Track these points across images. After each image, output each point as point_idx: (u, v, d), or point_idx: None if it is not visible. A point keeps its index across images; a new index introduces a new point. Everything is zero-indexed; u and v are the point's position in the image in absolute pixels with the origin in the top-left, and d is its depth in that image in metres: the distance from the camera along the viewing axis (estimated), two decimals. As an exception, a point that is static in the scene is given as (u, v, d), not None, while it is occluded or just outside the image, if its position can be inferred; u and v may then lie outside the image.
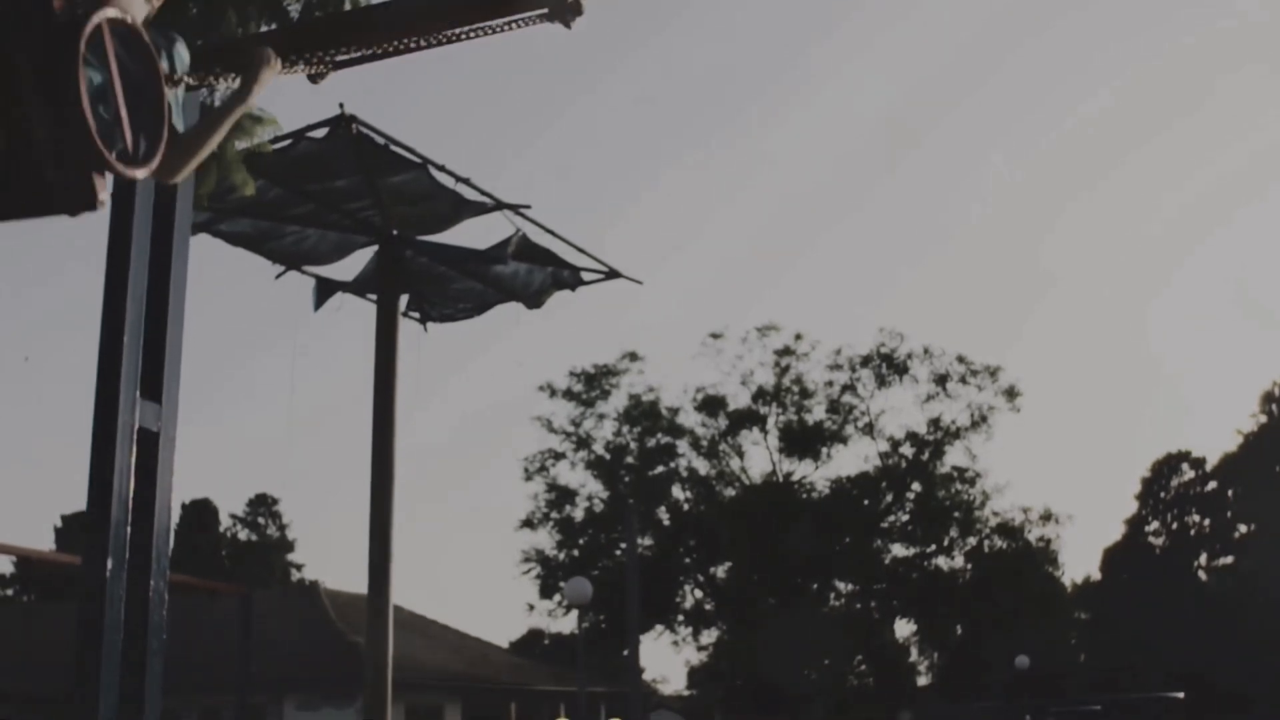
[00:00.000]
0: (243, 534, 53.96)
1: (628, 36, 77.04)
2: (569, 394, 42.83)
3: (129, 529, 3.29)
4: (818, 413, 42.87)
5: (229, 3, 4.74)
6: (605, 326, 70.23)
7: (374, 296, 13.37)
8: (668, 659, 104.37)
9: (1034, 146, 73.79)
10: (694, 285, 70.29)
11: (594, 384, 42.77)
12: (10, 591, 50.43)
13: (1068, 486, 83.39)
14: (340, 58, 3.69)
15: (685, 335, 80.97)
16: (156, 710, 3.37)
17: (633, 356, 42.92)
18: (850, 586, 44.36)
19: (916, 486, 43.51)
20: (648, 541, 41.98)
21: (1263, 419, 51.83)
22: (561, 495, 43.53)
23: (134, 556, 3.38)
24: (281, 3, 4.92)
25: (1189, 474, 53.50)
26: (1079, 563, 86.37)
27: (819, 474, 43.47)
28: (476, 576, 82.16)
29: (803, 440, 42.58)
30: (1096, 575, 54.70)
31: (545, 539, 43.81)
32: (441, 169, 11.90)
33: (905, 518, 44.04)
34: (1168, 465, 53.63)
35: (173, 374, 3.68)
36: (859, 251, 73.71)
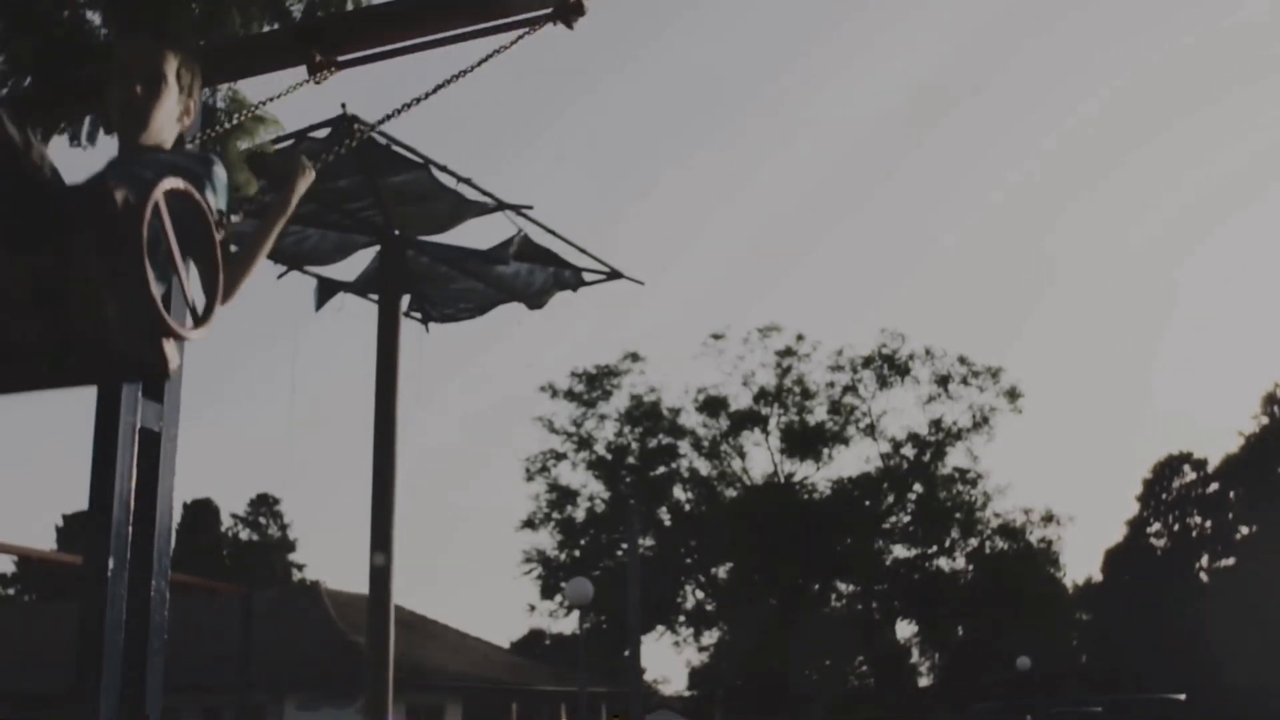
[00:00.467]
0: (244, 534, 54.02)
1: (629, 37, 77.17)
2: (570, 394, 42.86)
3: (130, 529, 3.28)
4: (819, 413, 42.93)
5: (232, 2, 4.74)
6: (607, 327, 70.31)
7: (375, 297, 13.36)
8: (669, 659, 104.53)
9: (1035, 147, 73.87)
10: (695, 286, 70.46)
11: (595, 384, 42.79)
12: (10, 591, 50.49)
13: (1069, 488, 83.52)
14: (343, 58, 3.69)
15: (687, 336, 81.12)
16: (157, 710, 3.36)
17: (634, 357, 43.00)
18: (851, 587, 44.40)
19: (918, 487, 43.51)
20: (649, 542, 42.00)
21: (1264, 421, 51.81)
22: (563, 496, 43.56)
23: (135, 556, 3.38)
24: (284, 2, 4.91)
25: (1190, 475, 53.52)
26: (1080, 564, 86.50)
27: (820, 475, 43.56)
28: (477, 577, 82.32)
29: (804, 441, 42.58)
30: (1098, 576, 54.76)
31: (546, 539, 43.91)
32: (443, 169, 11.90)
33: (906, 519, 44.04)
34: (1169, 467, 53.64)
35: (175, 373, 3.67)
36: (860, 253, 73.84)
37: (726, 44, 74.46)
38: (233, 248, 2.80)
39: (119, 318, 2.13)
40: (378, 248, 13.21)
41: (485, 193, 12.39)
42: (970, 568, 44.52)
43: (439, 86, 3.41)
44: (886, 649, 45.01)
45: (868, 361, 42.77)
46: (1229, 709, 40.07)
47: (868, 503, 43.28)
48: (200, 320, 2.34)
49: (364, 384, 13.26)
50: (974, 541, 44.26)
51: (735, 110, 75.36)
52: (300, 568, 53.24)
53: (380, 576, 12.27)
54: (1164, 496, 53.58)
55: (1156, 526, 53.51)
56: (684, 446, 43.45)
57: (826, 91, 73.75)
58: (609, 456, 43.06)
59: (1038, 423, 77.96)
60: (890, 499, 43.65)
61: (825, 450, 42.73)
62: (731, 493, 43.75)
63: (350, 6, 4.89)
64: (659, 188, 77.03)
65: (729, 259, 74.02)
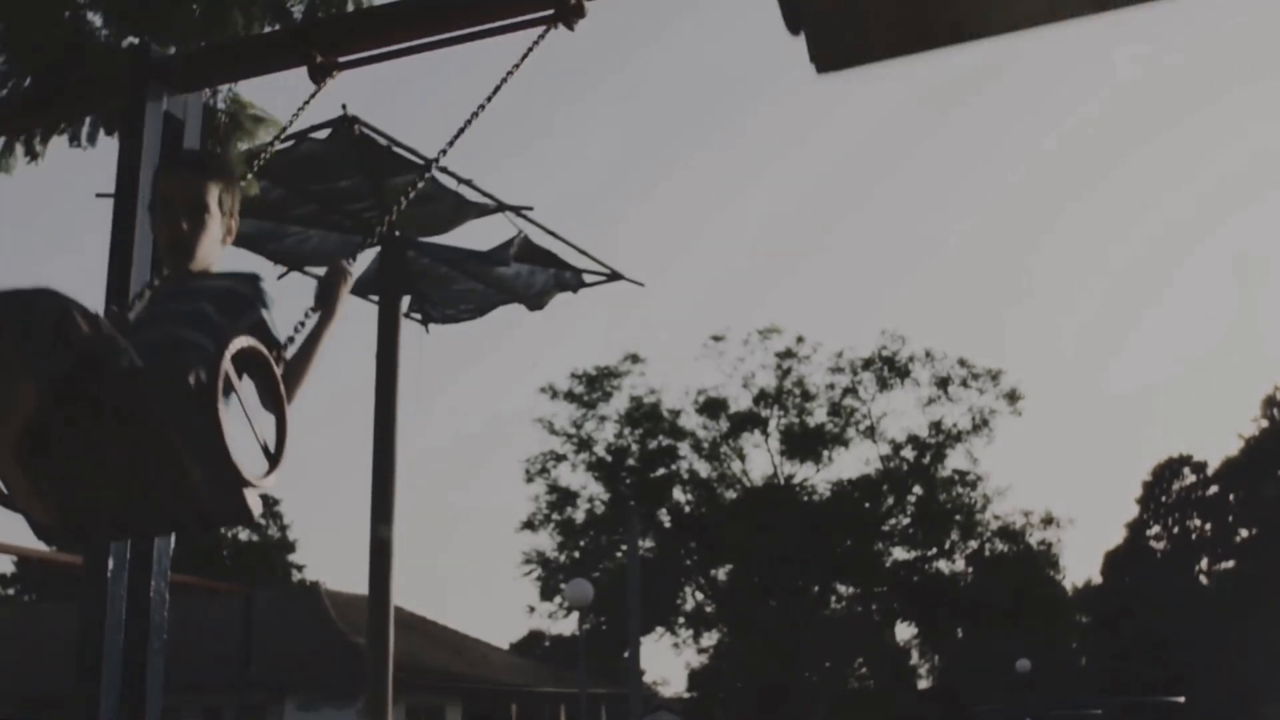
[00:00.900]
0: (243, 534, 53.97)
1: (629, 37, 77.18)
2: (570, 396, 42.84)
3: (130, 529, 3.28)
4: (819, 415, 42.90)
5: (234, 2, 4.74)
6: (607, 328, 70.24)
7: (376, 297, 13.36)
8: (668, 661, 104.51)
9: (1034, 147, 73.80)
10: (695, 287, 70.40)
11: (595, 386, 42.77)
12: (10, 591, 50.46)
13: (1069, 490, 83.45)
14: (343, 58, 3.70)
15: (687, 337, 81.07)
16: (157, 710, 3.36)
17: (634, 358, 42.97)
18: (851, 589, 44.38)
19: (918, 490, 43.51)
20: (649, 543, 41.99)
21: (1264, 423, 51.78)
22: (563, 497, 43.54)
23: (135, 557, 3.38)
24: (284, 3, 4.91)
25: (1190, 478, 53.49)
26: (1080, 566, 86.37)
27: (820, 477, 43.52)
28: (477, 578, 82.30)
29: (804, 443, 42.58)
30: (1098, 579, 54.72)
31: (546, 540, 43.89)
32: (444, 170, 11.90)
33: (906, 521, 44.03)
34: (1169, 469, 53.63)
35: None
36: (860, 254, 73.79)
37: (727, 44, 74.49)
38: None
39: (201, 480, 2.28)
40: (378, 249, 13.22)
41: (485, 194, 12.39)
42: (970, 570, 44.51)
43: (475, 114, 3.38)
44: (886, 651, 45.03)
45: (868, 363, 42.77)
46: (1228, 712, 40.08)
47: (867, 505, 43.27)
48: (274, 462, 2.43)
49: (364, 384, 13.27)
50: (974, 544, 44.26)
51: (735, 110, 75.36)
52: (300, 568, 53.20)
53: (380, 577, 12.26)
54: (1164, 499, 53.55)
55: (1156, 529, 53.50)
56: (684, 448, 43.43)
57: (827, 92, 73.81)
58: (609, 458, 43.04)
59: (1038, 425, 77.92)
60: (890, 501, 43.64)
61: (825, 452, 42.73)
62: (731, 494, 43.74)
63: (350, 7, 4.89)
64: (659, 188, 77.03)
65: (729, 260, 74.00)
